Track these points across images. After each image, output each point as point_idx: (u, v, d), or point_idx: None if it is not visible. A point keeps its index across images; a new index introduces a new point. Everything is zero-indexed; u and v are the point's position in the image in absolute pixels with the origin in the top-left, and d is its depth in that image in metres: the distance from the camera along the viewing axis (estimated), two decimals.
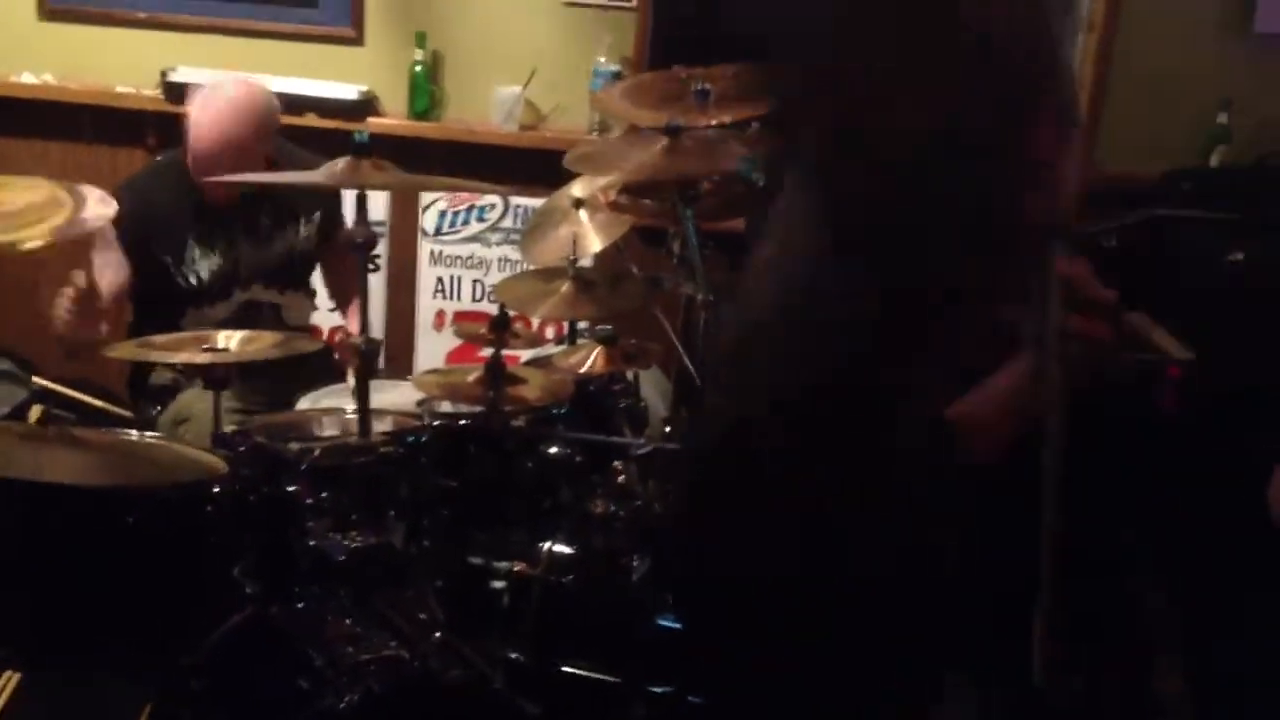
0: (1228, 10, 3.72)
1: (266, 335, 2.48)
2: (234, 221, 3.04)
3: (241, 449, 2.10)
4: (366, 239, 2.02)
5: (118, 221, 2.84)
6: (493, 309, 3.92)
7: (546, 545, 2.30)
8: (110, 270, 2.88)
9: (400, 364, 3.83)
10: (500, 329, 2.37)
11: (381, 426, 2.33)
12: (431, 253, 3.99)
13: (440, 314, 4.02)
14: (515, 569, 2.29)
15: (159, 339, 2.43)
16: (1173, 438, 2.64)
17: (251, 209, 3.03)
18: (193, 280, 3.01)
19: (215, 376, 2.24)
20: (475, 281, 4.01)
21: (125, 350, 2.41)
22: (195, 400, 2.81)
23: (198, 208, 2.97)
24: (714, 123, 2.68)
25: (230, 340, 2.36)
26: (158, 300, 3.01)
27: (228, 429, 2.21)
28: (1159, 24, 3.73)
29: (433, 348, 4.01)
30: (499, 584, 2.32)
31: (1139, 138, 3.72)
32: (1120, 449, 2.34)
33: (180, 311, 3.01)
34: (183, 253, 2.99)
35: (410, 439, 2.26)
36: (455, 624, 2.21)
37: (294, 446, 2.12)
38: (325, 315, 3.48)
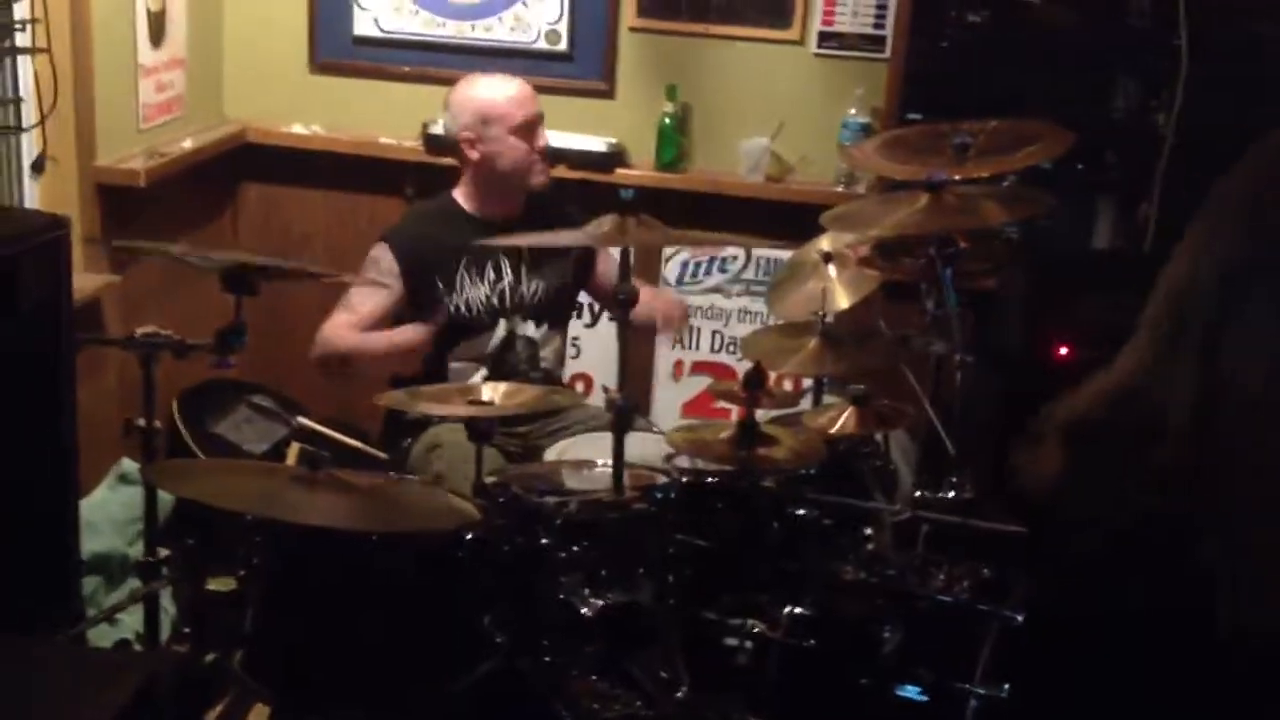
0: None
1: (527, 389, 2.53)
2: (498, 252, 3.16)
3: (500, 500, 2.13)
4: (629, 295, 2.02)
5: (401, 260, 3.02)
6: (731, 360, 3.96)
7: (788, 608, 2.25)
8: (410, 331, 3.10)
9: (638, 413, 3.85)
10: (754, 388, 2.33)
11: (628, 480, 2.32)
12: None
13: (679, 364, 4.03)
14: (755, 629, 2.24)
15: (427, 389, 2.50)
16: None
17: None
18: (464, 310, 3.14)
19: (479, 428, 2.28)
20: (715, 332, 4.01)
21: (393, 399, 2.49)
22: (445, 430, 2.90)
23: (467, 236, 3.07)
24: (972, 177, 2.60)
25: (495, 393, 2.40)
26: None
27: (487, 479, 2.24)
28: None
29: (670, 397, 4.01)
30: (734, 641, 2.28)
31: None
32: None
33: (453, 341, 3.15)
34: (454, 281, 3.13)
35: (660, 495, 2.24)
36: (694, 682, 2.18)
37: (550, 500, 2.14)
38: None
